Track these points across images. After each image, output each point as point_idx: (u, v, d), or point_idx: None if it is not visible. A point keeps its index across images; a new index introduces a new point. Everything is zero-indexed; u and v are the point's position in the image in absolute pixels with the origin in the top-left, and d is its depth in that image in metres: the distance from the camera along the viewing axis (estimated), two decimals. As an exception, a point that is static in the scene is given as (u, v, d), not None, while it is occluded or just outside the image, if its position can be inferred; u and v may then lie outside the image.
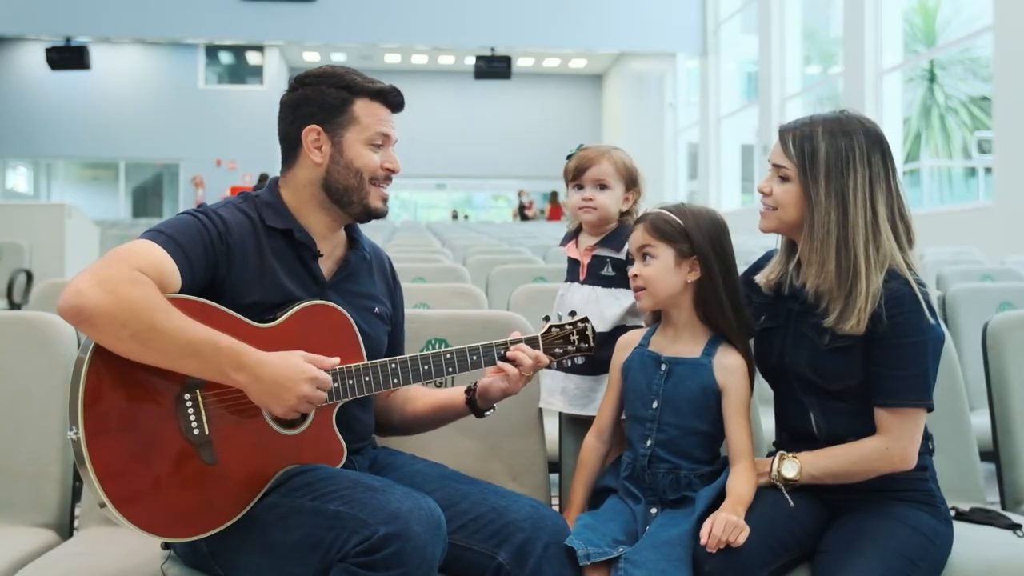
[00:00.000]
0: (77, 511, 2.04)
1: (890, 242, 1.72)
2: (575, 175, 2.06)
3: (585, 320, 1.90)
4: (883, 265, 1.70)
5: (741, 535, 1.58)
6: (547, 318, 1.92)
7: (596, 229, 2.06)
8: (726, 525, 1.58)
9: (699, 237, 1.79)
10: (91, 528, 1.95)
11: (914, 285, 1.69)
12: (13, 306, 5.28)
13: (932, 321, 1.70)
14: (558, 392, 2.06)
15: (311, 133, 1.78)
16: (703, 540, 1.59)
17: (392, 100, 1.84)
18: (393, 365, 1.72)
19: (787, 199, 1.77)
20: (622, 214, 2.05)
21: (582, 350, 1.89)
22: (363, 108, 1.79)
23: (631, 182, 2.06)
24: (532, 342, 1.84)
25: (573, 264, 2.10)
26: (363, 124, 1.79)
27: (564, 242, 2.15)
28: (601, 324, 1.97)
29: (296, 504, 1.55)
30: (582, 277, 2.06)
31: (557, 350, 1.87)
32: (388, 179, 1.84)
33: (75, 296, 1.45)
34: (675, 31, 16.76)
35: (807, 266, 1.77)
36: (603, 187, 2.03)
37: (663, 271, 1.80)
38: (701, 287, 1.81)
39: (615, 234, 2.04)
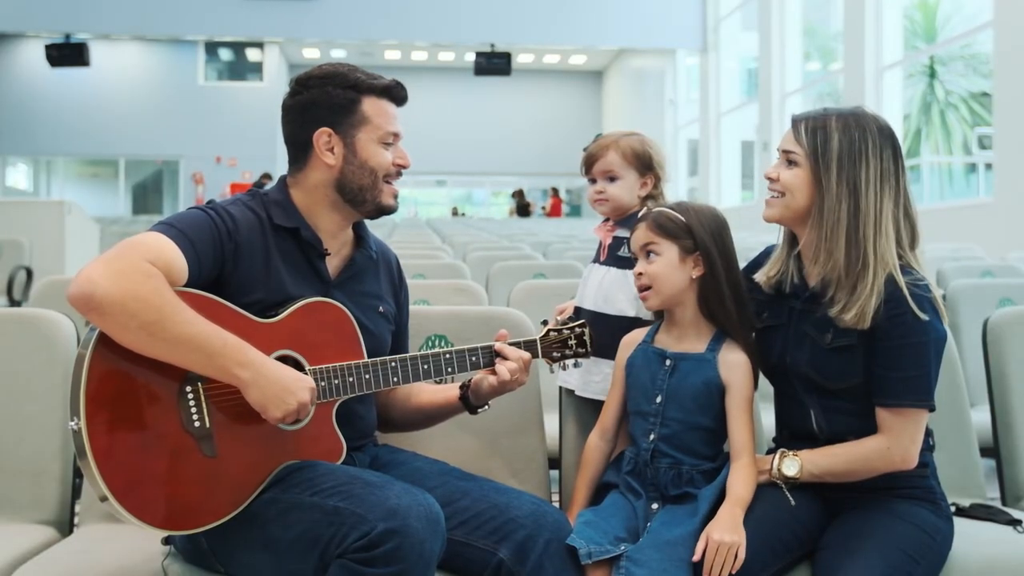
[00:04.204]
0: (77, 508, 2.04)
1: (891, 239, 1.71)
2: (586, 168, 2.07)
3: (583, 325, 1.92)
4: (887, 261, 1.69)
5: (739, 554, 1.58)
6: (545, 322, 1.93)
7: (616, 218, 2.06)
8: (718, 551, 1.58)
9: (702, 232, 1.79)
10: (91, 525, 1.95)
11: (904, 287, 1.67)
12: (13, 303, 5.28)
13: (935, 321, 1.69)
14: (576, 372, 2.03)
15: (322, 136, 1.78)
16: (697, 556, 1.59)
17: (398, 95, 1.85)
18: (393, 364, 1.73)
19: (795, 183, 1.75)
20: (645, 199, 2.02)
21: (579, 354, 1.92)
22: (372, 106, 1.79)
23: (644, 167, 2.03)
24: (530, 346, 1.86)
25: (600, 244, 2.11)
26: (374, 123, 1.79)
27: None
28: (609, 307, 1.97)
29: (295, 500, 1.56)
30: (602, 257, 2.06)
31: (555, 354, 1.89)
32: (399, 174, 1.85)
33: (87, 284, 1.45)
34: (675, 28, 16.75)
35: (813, 255, 1.76)
36: (612, 179, 2.02)
37: (668, 268, 1.80)
38: (704, 283, 1.81)
39: (635, 215, 2.01)
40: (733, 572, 1.57)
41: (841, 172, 1.70)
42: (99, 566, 1.69)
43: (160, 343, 1.49)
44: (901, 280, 1.68)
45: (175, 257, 1.57)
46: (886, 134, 1.74)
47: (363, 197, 1.80)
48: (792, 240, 1.85)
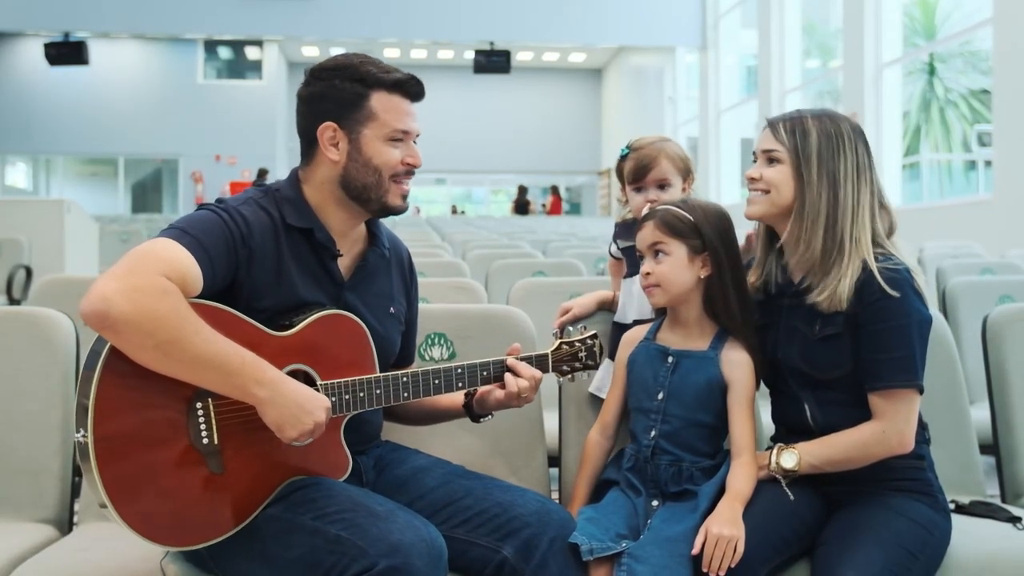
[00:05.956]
0: (76, 507, 2.04)
1: (867, 228, 1.76)
2: (635, 177, 2.02)
3: (594, 337, 1.91)
4: (861, 248, 1.74)
5: (738, 547, 1.58)
6: (556, 334, 1.91)
7: None
8: (717, 544, 1.58)
9: (710, 232, 1.80)
10: (90, 524, 1.95)
11: (876, 272, 1.71)
12: (12, 302, 5.28)
13: (916, 303, 1.72)
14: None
15: (327, 131, 1.72)
16: (696, 549, 1.59)
17: (412, 90, 1.76)
18: (404, 379, 1.70)
19: (780, 179, 1.79)
20: None
21: (588, 367, 1.91)
22: (380, 102, 1.72)
23: (687, 172, 2.03)
24: (542, 359, 1.85)
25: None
26: (381, 120, 1.72)
27: (620, 233, 2.08)
28: None
29: (297, 522, 1.54)
30: None
31: (565, 368, 1.88)
32: (409, 174, 1.77)
33: (101, 303, 1.40)
34: (674, 25, 16.74)
35: (793, 246, 1.80)
36: (663, 186, 2.00)
37: (677, 268, 1.79)
38: (711, 283, 1.81)
39: None
40: (732, 565, 1.57)
41: (821, 166, 1.76)
42: (98, 565, 1.69)
43: (176, 363, 1.46)
44: (874, 266, 1.72)
45: (189, 267, 1.52)
46: (858, 131, 1.81)
47: (367, 196, 1.74)
48: (769, 241, 1.88)
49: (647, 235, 1.82)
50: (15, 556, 1.74)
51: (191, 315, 1.47)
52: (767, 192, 1.80)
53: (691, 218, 1.80)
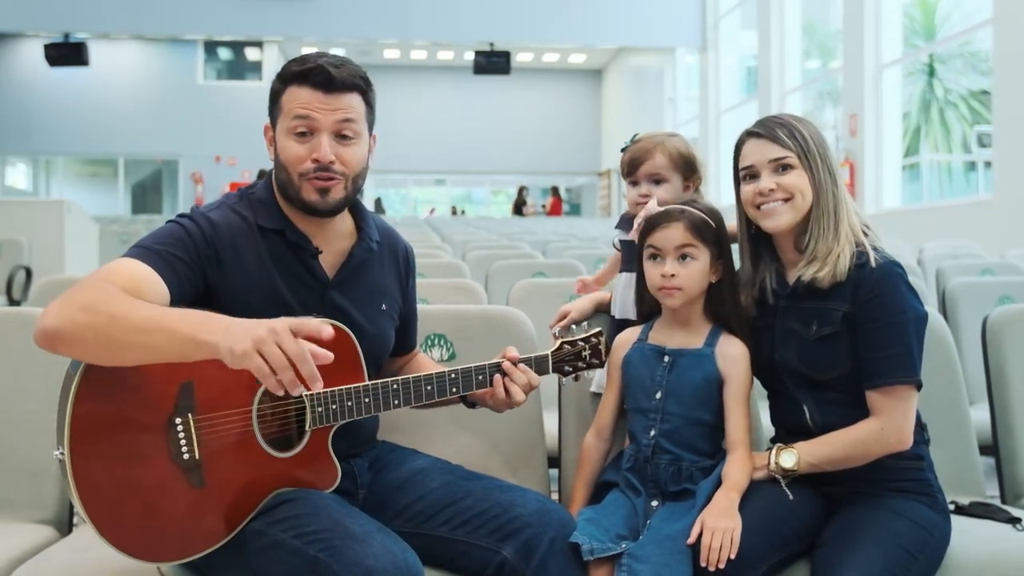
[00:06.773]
0: (77, 507, 2.04)
1: (853, 211, 1.82)
2: (629, 170, 1.99)
3: (599, 335, 1.85)
4: (855, 228, 1.79)
5: (734, 538, 1.58)
6: (556, 334, 1.86)
7: None
8: (714, 535, 1.57)
9: (725, 238, 1.81)
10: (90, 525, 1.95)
11: (875, 264, 1.73)
12: (12, 303, 5.28)
13: (913, 300, 1.73)
14: None
15: (267, 131, 1.74)
16: (691, 539, 1.59)
17: (316, 79, 1.65)
18: (395, 386, 1.66)
19: (801, 184, 1.79)
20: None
21: (593, 365, 1.85)
22: (289, 95, 1.67)
23: (689, 170, 1.98)
24: (542, 361, 1.80)
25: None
26: (285, 113, 1.67)
27: (623, 226, 2.04)
28: None
29: (279, 539, 1.52)
30: None
31: (567, 368, 1.82)
32: (323, 171, 1.66)
33: (41, 320, 1.41)
34: (674, 26, 16.75)
35: (796, 246, 1.82)
36: (658, 181, 1.96)
37: (701, 273, 1.80)
38: (720, 287, 1.82)
39: None
40: (731, 557, 1.56)
41: (823, 163, 1.81)
42: (98, 566, 1.68)
43: (123, 344, 1.39)
44: (867, 243, 1.76)
45: (144, 277, 1.51)
46: None
47: (288, 193, 1.70)
48: (756, 253, 1.88)
49: (676, 236, 1.79)
50: (15, 556, 1.74)
51: (127, 299, 1.44)
52: (788, 200, 1.79)
53: (713, 224, 1.80)
